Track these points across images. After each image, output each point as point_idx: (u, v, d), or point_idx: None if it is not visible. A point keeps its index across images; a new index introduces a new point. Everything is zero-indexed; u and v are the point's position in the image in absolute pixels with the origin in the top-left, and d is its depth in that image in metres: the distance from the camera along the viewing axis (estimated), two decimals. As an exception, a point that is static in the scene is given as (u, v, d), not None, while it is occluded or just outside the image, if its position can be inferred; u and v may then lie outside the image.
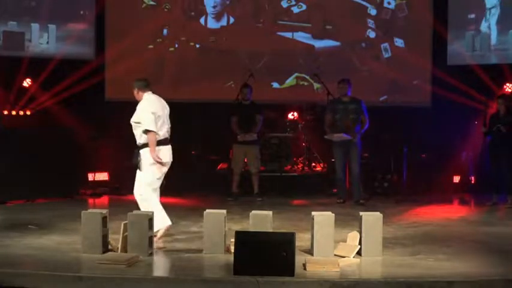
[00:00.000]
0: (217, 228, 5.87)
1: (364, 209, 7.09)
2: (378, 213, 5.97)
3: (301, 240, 6.12)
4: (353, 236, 5.95)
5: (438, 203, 9.66)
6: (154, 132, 6.51)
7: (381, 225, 5.86)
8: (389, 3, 12.11)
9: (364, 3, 12.12)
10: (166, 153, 6.68)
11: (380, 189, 10.65)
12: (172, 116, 11.51)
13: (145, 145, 6.58)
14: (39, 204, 9.23)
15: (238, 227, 7.17)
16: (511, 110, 9.51)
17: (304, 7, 12.12)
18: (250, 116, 9.76)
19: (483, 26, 11.59)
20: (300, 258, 5.30)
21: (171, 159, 6.76)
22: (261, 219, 5.99)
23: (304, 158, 11.48)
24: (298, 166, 11.53)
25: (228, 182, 10.03)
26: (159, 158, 6.55)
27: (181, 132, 11.38)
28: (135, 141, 6.68)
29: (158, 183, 6.77)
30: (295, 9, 12.12)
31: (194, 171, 10.79)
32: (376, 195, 10.26)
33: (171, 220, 6.74)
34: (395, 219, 8.01)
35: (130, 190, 10.58)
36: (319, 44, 12.13)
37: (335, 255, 5.74)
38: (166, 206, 9.13)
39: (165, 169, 6.74)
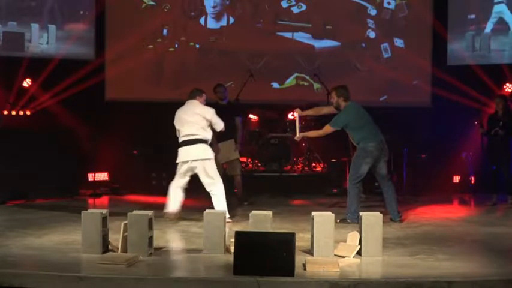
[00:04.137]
0: (217, 228, 5.87)
1: (364, 209, 7.10)
2: (378, 213, 5.96)
3: (301, 240, 6.12)
4: (353, 236, 5.95)
5: (438, 203, 9.66)
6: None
7: (380, 225, 5.85)
8: (389, 3, 12.12)
9: (364, 3, 12.12)
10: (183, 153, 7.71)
11: (380, 189, 10.63)
12: (172, 116, 11.50)
13: None
14: (39, 204, 9.23)
15: (238, 227, 7.18)
16: (509, 110, 9.51)
17: (304, 7, 12.12)
18: (227, 118, 9.04)
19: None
20: (300, 258, 5.30)
21: (189, 159, 7.68)
22: (261, 219, 5.99)
23: (304, 158, 11.48)
24: (298, 166, 11.53)
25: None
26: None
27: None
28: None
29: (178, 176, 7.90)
30: (295, 9, 12.13)
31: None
32: (376, 195, 10.24)
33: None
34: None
35: (130, 190, 10.69)
36: (319, 44, 12.14)
37: (335, 255, 5.74)
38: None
39: (184, 167, 7.75)
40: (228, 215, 7.60)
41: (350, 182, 7.82)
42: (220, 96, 9.36)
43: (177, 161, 7.77)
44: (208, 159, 7.71)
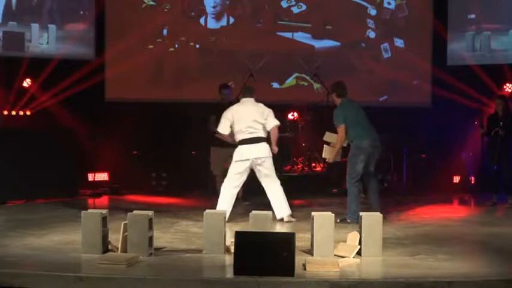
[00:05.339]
0: (217, 228, 5.87)
1: (364, 209, 7.11)
2: (378, 213, 5.97)
3: (301, 240, 6.12)
4: (353, 236, 5.95)
5: (438, 203, 9.66)
6: (221, 133, 7.89)
7: (380, 225, 5.86)
8: (389, 3, 12.12)
9: (364, 3, 12.12)
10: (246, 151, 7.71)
11: (380, 189, 10.65)
12: (172, 116, 11.44)
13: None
14: (39, 204, 9.23)
15: (238, 227, 7.18)
16: (509, 110, 9.51)
17: (304, 7, 12.12)
18: None
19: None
20: (300, 258, 5.30)
21: (257, 156, 7.67)
22: (261, 219, 6.00)
23: (304, 158, 11.48)
24: (298, 166, 11.53)
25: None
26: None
27: (181, 133, 11.41)
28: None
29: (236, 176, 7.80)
30: (295, 9, 12.13)
31: (194, 171, 10.79)
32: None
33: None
34: (396, 219, 8.01)
35: (130, 190, 10.68)
36: (319, 44, 12.14)
37: (335, 255, 5.74)
38: (167, 206, 9.19)
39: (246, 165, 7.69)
40: (289, 213, 7.77)
41: (349, 181, 7.85)
42: (224, 97, 9.40)
43: (236, 159, 7.76)
44: (268, 157, 7.76)
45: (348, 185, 7.89)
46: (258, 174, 7.83)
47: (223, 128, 7.90)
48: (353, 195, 7.79)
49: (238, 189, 7.95)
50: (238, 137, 7.80)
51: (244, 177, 7.84)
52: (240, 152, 7.74)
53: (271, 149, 7.94)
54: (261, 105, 7.92)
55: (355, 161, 7.80)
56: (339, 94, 7.97)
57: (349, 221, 7.61)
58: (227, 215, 7.67)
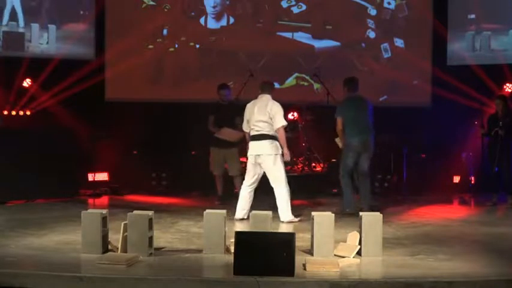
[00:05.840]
0: (217, 228, 5.87)
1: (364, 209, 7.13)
2: (378, 213, 5.97)
3: (301, 240, 6.12)
4: (353, 236, 5.95)
5: (438, 203, 9.66)
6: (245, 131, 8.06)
7: (380, 225, 5.86)
8: (389, 3, 12.11)
9: (364, 3, 12.12)
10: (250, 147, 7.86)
11: (380, 189, 10.66)
12: (172, 116, 11.43)
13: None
14: (39, 204, 9.23)
15: (238, 227, 7.18)
16: (509, 110, 9.50)
17: (304, 7, 12.12)
18: (228, 116, 9.22)
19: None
20: (300, 258, 5.30)
21: (258, 153, 7.74)
22: (261, 219, 6.00)
23: (304, 158, 11.48)
24: (298, 166, 11.52)
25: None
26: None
27: (181, 133, 11.40)
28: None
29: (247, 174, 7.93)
30: (295, 9, 12.12)
31: (194, 171, 10.80)
32: (376, 195, 10.24)
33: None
34: (395, 219, 8.02)
35: (130, 190, 10.69)
36: (319, 44, 12.13)
37: (335, 255, 5.74)
38: (166, 206, 9.20)
39: (251, 162, 7.80)
40: (288, 219, 7.72)
41: (340, 174, 8.36)
42: (222, 97, 9.41)
43: (247, 155, 7.95)
44: (270, 154, 7.73)
45: (340, 178, 8.37)
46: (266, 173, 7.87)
47: (244, 127, 8.04)
48: (346, 186, 8.25)
49: (252, 182, 7.90)
50: (250, 133, 7.93)
51: (255, 174, 7.86)
52: (248, 149, 7.91)
53: (282, 152, 7.86)
54: (271, 103, 7.82)
55: (345, 156, 8.38)
56: (347, 89, 8.50)
57: (348, 210, 7.86)
58: (244, 212, 7.82)
